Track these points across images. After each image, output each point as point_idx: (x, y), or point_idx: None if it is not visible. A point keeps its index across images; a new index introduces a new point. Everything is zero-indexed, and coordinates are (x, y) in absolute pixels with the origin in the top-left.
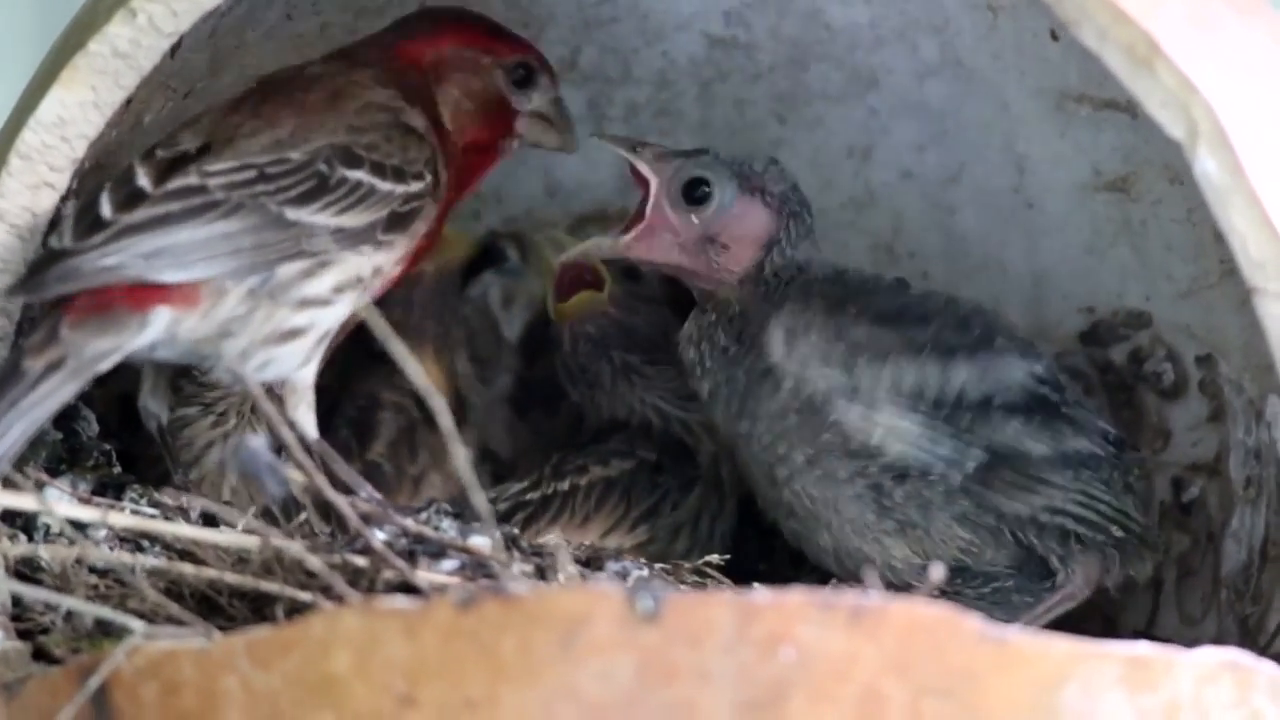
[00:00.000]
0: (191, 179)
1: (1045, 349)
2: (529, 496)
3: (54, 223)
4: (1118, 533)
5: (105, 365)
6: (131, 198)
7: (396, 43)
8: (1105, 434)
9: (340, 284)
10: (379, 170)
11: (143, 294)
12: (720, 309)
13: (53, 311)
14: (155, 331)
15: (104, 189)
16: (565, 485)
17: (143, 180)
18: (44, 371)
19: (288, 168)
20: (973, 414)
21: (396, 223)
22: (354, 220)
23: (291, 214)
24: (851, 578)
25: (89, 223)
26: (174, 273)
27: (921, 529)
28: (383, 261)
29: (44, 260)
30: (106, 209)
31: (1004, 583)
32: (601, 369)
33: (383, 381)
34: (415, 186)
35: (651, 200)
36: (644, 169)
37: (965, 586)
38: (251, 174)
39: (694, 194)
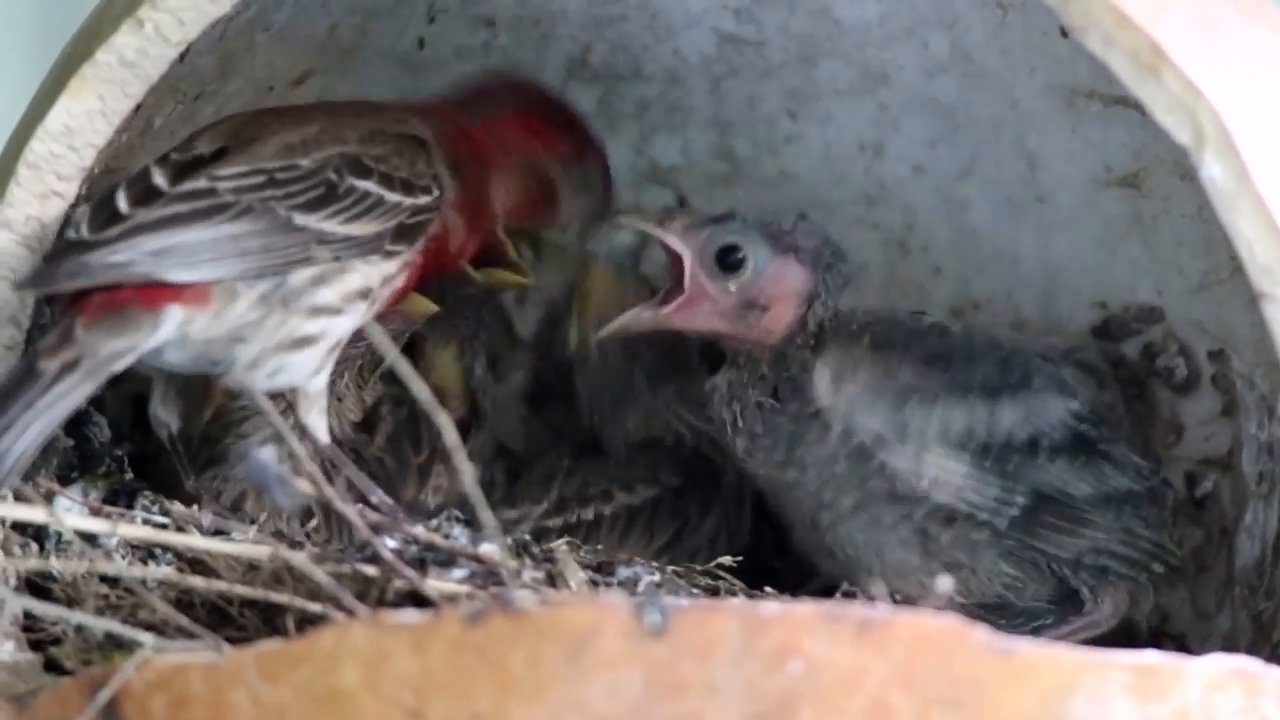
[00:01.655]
0: (201, 181)
1: (1056, 343)
2: (551, 522)
3: (65, 223)
4: (1158, 568)
5: (120, 365)
6: (148, 194)
7: (462, 119)
8: (1140, 468)
9: (350, 293)
10: (387, 181)
11: (154, 293)
12: (751, 365)
13: (67, 312)
14: (167, 331)
15: (121, 185)
16: (590, 514)
17: (159, 179)
18: (59, 372)
19: (298, 173)
20: (1019, 456)
21: (404, 234)
22: (362, 229)
23: (300, 219)
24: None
25: (106, 216)
26: (182, 272)
27: (968, 569)
28: (391, 271)
29: (57, 252)
30: (123, 203)
31: (1044, 620)
32: (634, 374)
33: (381, 375)
34: (423, 200)
35: (688, 274)
36: (674, 244)
37: (1008, 626)
38: (261, 178)
39: (727, 261)
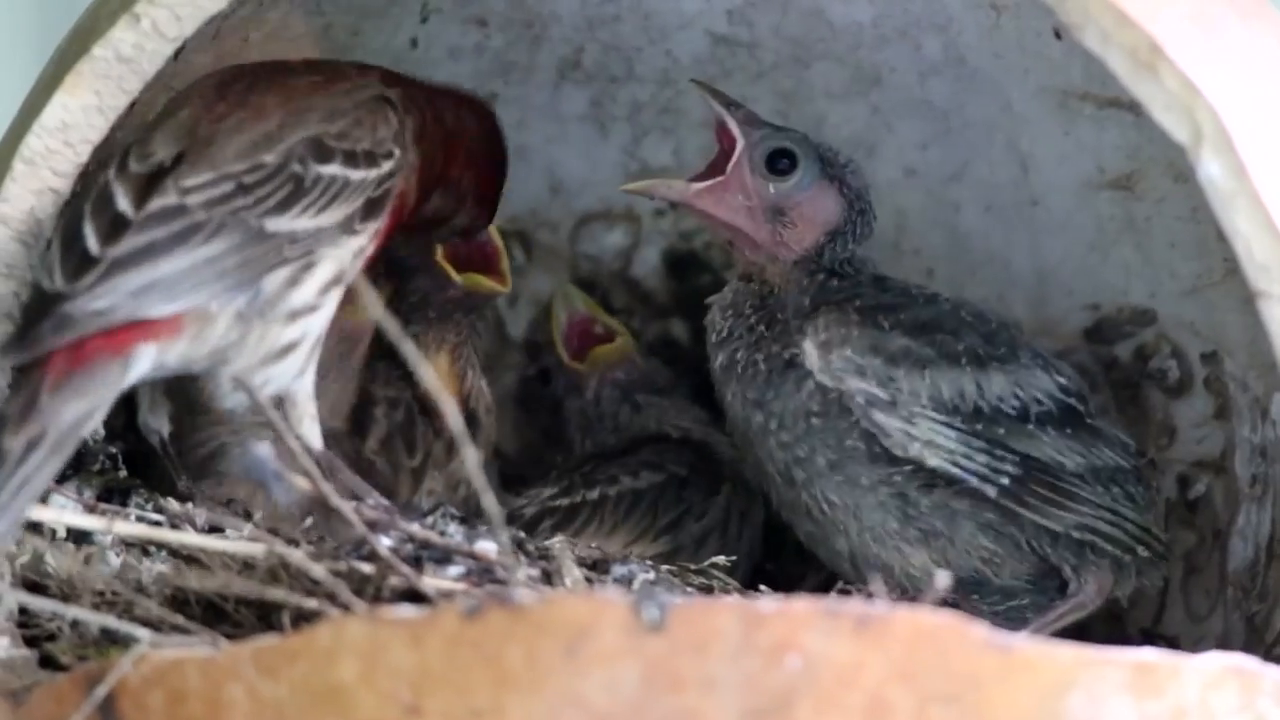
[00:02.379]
0: (170, 198)
1: (1049, 345)
2: (558, 503)
3: (44, 253)
4: (1143, 552)
5: (89, 427)
6: (115, 224)
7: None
8: (1127, 445)
9: (324, 284)
10: (351, 159)
11: (123, 336)
12: (761, 285)
13: (34, 371)
14: (139, 370)
15: (85, 215)
16: (595, 494)
17: (122, 203)
18: (25, 452)
19: (264, 174)
20: (1008, 425)
21: (372, 209)
22: (332, 217)
23: (272, 225)
24: (865, 583)
25: (77, 258)
26: (163, 306)
27: (945, 538)
28: (361, 245)
29: (37, 306)
30: (92, 241)
31: (1020, 599)
32: (623, 412)
33: (375, 378)
34: (386, 166)
35: (734, 159)
36: (733, 127)
37: (982, 602)
38: (229, 186)
39: (777, 165)
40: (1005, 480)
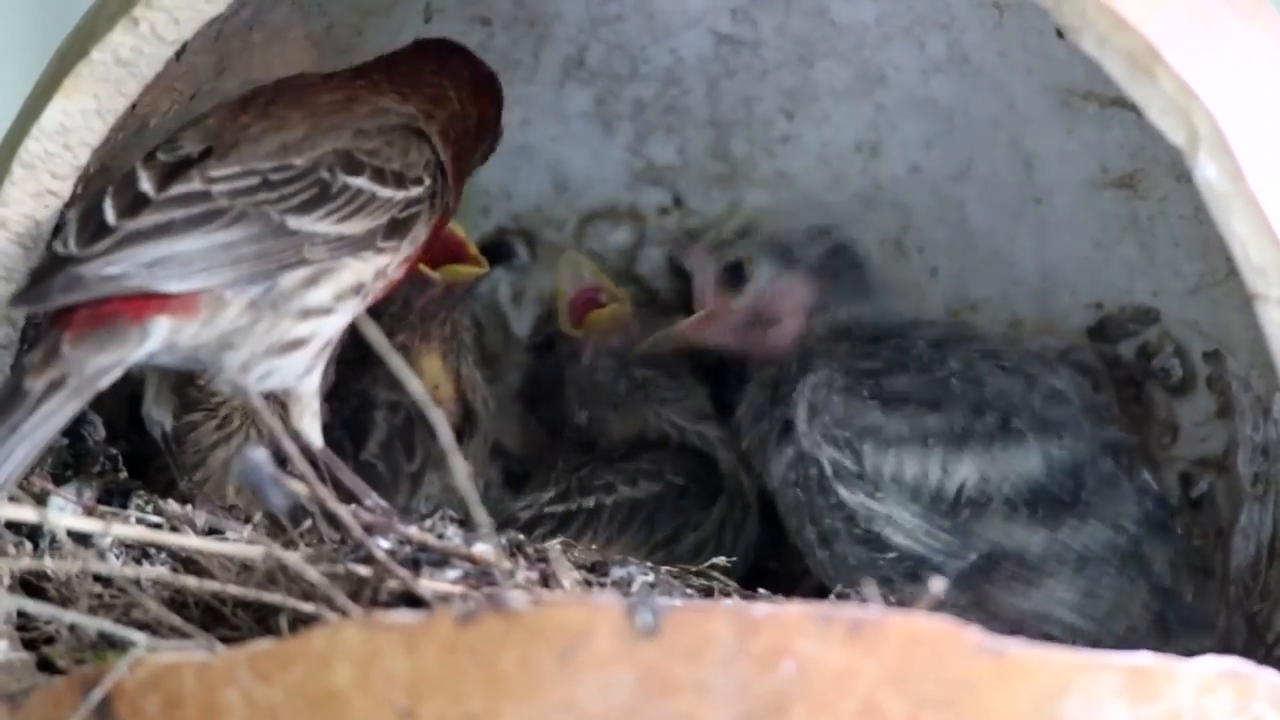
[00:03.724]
0: (195, 184)
1: (1052, 343)
2: (554, 510)
3: (59, 228)
4: (1120, 631)
5: (107, 381)
6: (135, 202)
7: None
8: (1126, 516)
9: (342, 291)
10: (379, 176)
11: (142, 304)
12: (767, 374)
13: (53, 327)
14: (155, 342)
15: (107, 192)
16: (591, 503)
17: (145, 184)
18: (45, 391)
19: (291, 174)
20: (970, 511)
21: (396, 229)
22: (355, 227)
23: (293, 223)
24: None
25: (94, 228)
26: (176, 282)
27: None
28: (384, 265)
29: (48, 267)
30: (110, 214)
31: None
32: (619, 384)
33: (376, 381)
34: (415, 191)
35: (696, 291)
36: (687, 265)
37: None
38: (255, 180)
39: (733, 280)
40: (969, 562)
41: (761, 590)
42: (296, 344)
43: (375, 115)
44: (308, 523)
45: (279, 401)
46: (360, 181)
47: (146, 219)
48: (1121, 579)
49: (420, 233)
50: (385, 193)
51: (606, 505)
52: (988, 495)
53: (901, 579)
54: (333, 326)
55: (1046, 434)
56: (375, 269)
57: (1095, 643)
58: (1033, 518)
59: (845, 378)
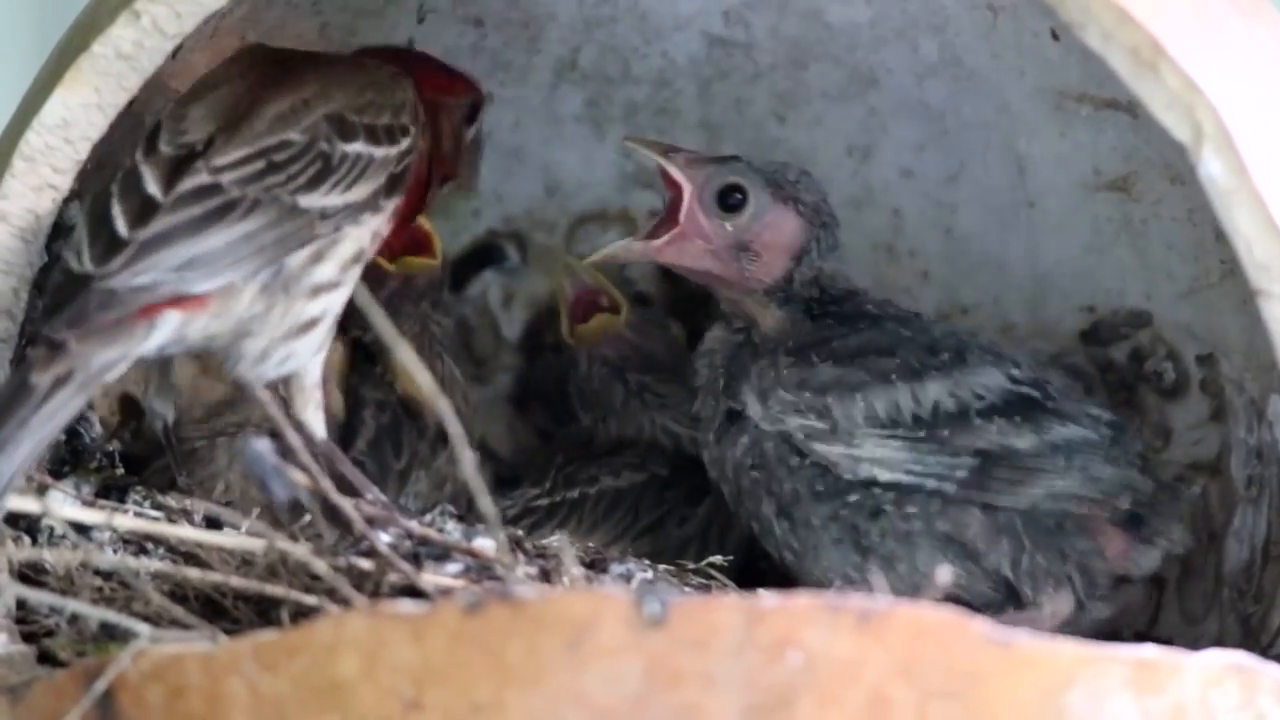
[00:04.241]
0: (203, 178)
1: (1044, 347)
2: (538, 503)
3: (58, 227)
4: (1124, 505)
5: (113, 375)
6: (144, 209)
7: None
8: (1099, 419)
9: (345, 261)
10: (372, 135)
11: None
12: (740, 327)
13: None
14: (163, 335)
15: (113, 199)
16: (575, 493)
17: (151, 185)
18: (52, 386)
19: (293, 152)
20: (952, 425)
21: (394, 185)
22: (358, 194)
23: (304, 201)
24: None
25: (106, 240)
26: (205, 282)
27: (906, 562)
28: (378, 226)
29: (69, 285)
30: (121, 225)
31: None
32: (615, 391)
33: (363, 380)
34: (405, 143)
35: (685, 206)
36: (676, 174)
37: None
38: (260, 164)
39: (728, 201)
40: (963, 473)
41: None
42: (311, 324)
43: (355, 70)
44: (307, 517)
45: (281, 393)
46: (357, 146)
47: (160, 223)
48: (1113, 461)
49: (409, 184)
50: (380, 152)
51: (590, 495)
52: (964, 406)
53: (867, 522)
54: (340, 300)
55: (1002, 359)
56: (371, 231)
57: (1068, 583)
58: (1012, 422)
59: (787, 356)
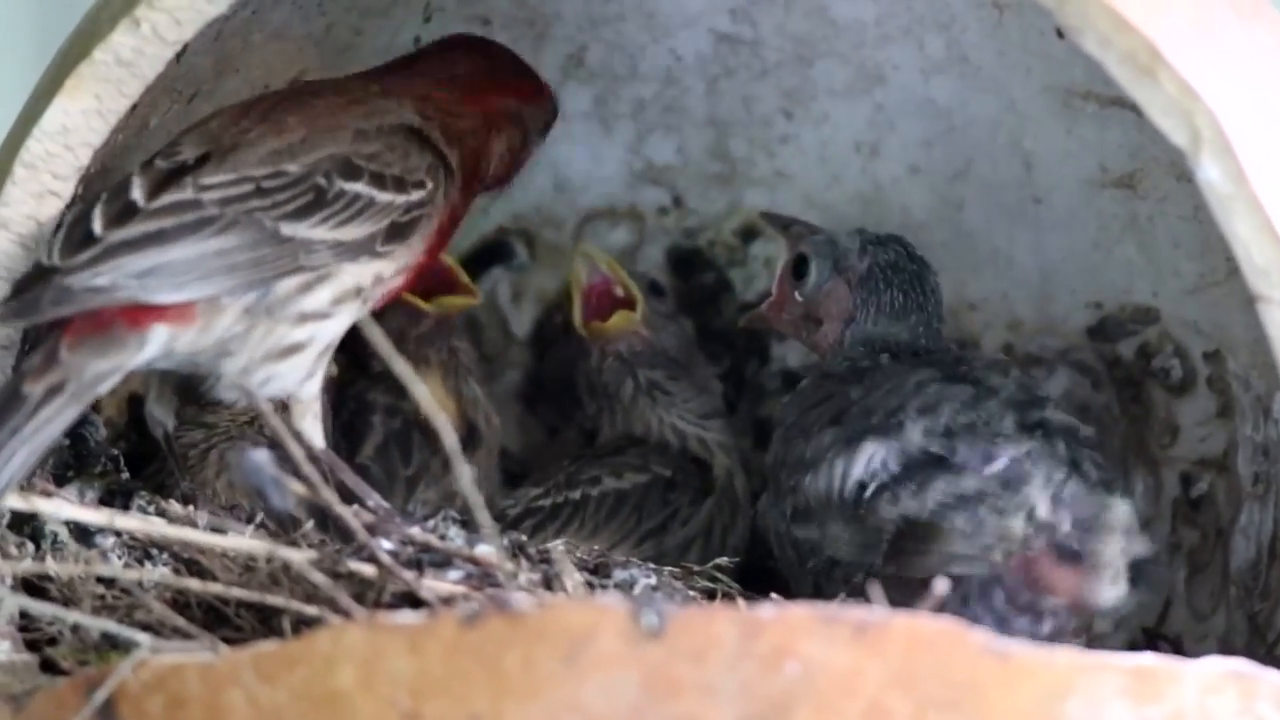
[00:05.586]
0: (186, 193)
1: (1052, 343)
2: (541, 503)
3: (56, 230)
4: (997, 556)
5: (105, 386)
6: (124, 212)
7: (443, 92)
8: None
9: (339, 296)
10: (378, 181)
11: (139, 313)
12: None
13: (51, 332)
14: (154, 348)
15: (98, 201)
16: (577, 495)
17: (137, 193)
18: (44, 396)
19: (285, 181)
20: (864, 500)
21: (397, 233)
22: (353, 233)
23: (288, 229)
24: None
25: (79, 238)
26: (168, 293)
27: None
28: (383, 270)
29: (32, 278)
30: (97, 224)
31: None
32: (624, 386)
33: (373, 385)
34: (416, 195)
35: (776, 275)
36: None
37: None
38: (248, 188)
39: (799, 271)
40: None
41: (762, 590)
42: (294, 349)
43: (373, 117)
44: (308, 524)
45: (280, 403)
46: (358, 186)
47: (134, 228)
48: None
49: (423, 238)
50: (384, 197)
51: (592, 496)
52: (863, 483)
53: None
54: (331, 330)
55: (929, 410)
56: (374, 273)
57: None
58: (909, 485)
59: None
